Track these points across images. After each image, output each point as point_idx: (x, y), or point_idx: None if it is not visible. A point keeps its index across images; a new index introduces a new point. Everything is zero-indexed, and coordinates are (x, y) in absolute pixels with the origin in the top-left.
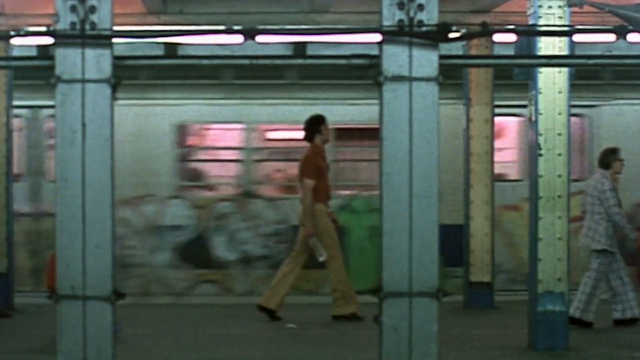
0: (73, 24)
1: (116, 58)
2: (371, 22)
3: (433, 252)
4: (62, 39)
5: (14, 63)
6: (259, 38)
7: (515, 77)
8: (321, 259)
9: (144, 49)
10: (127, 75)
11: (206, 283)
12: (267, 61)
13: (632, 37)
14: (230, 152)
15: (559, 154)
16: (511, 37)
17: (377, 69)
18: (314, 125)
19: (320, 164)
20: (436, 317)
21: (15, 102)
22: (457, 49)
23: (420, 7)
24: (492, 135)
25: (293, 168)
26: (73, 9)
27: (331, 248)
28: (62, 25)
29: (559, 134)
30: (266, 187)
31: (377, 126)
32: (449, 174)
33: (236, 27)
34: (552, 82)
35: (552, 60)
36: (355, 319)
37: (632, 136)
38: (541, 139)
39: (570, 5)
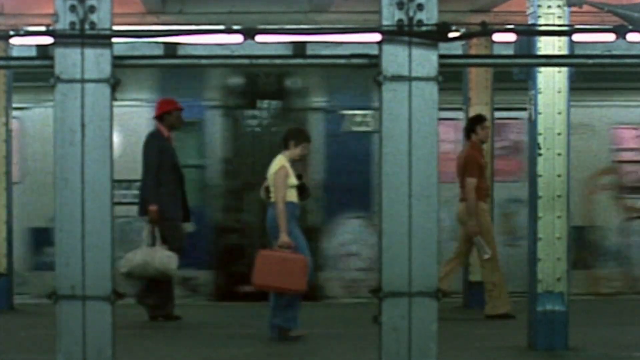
0: (72, 23)
1: (116, 58)
2: (370, 21)
3: (432, 252)
4: (62, 38)
5: (13, 63)
6: (259, 38)
7: (514, 76)
8: (486, 256)
9: (143, 49)
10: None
11: None
12: (267, 61)
13: (631, 36)
14: None
15: (559, 154)
16: (511, 37)
17: (377, 68)
18: (472, 124)
19: (481, 162)
20: (436, 317)
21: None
22: (456, 48)
23: (420, 7)
24: (492, 134)
25: None
26: (72, 8)
27: (490, 246)
28: (62, 25)
29: (559, 134)
30: None
31: None
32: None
33: (236, 27)
34: (551, 81)
35: (551, 60)
36: (509, 317)
37: None
38: (540, 139)
39: (569, 5)
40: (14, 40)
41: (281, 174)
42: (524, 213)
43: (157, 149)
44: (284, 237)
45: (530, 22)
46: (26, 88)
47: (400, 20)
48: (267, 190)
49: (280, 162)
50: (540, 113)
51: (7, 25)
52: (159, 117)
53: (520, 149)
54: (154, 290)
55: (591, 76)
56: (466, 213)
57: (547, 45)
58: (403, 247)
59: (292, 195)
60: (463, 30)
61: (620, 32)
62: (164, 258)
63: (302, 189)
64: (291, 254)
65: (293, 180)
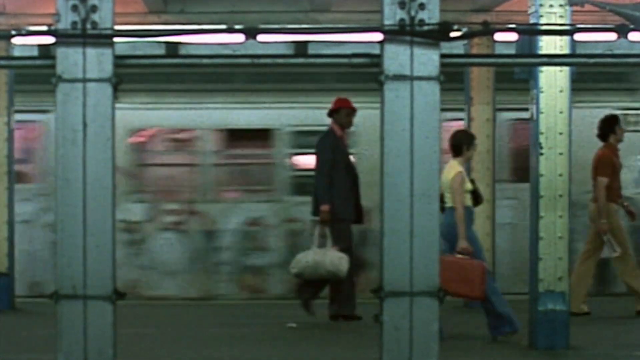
0: (74, 23)
1: (117, 57)
2: (372, 21)
3: (434, 252)
4: (63, 38)
5: (14, 63)
6: (260, 37)
7: (516, 76)
8: (614, 254)
9: (145, 49)
10: None
11: None
12: (268, 60)
13: (633, 35)
14: None
15: (560, 153)
16: (512, 36)
17: (378, 68)
18: (609, 125)
19: (615, 162)
20: (437, 316)
21: None
22: (458, 48)
23: (422, 6)
24: (494, 134)
25: None
26: (74, 8)
27: (622, 245)
28: (63, 25)
29: (560, 133)
30: None
31: None
32: None
33: (237, 27)
34: (553, 81)
35: (553, 59)
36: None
37: None
38: (542, 138)
39: (571, 4)
40: (16, 40)
41: (458, 180)
42: None
43: (330, 148)
44: (463, 243)
45: (532, 21)
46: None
47: (401, 19)
48: (441, 196)
49: (455, 167)
50: (542, 112)
51: (9, 25)
52: (331, 115)
53: None
54: (316, 288)
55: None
56: (597, 212)
57: (549, 45)
58: (404, 246)
59: (468, 200)
60: (465, 29)
61: (622, 31)
62: (335, 259)
63: (475, 194)
64: (469, 261)
65: (469, 185)
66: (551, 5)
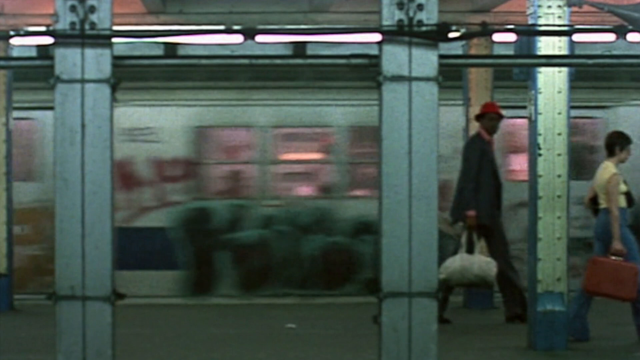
0: (73, 23)
1: (116, 58)
2: (371, 21)
3: (432, 252)
4: (62, 38)
5: (13, 63)
6: (259, 38)
7: (514, 77)
8: None
9: (143, 49)
10: None
11: None
12: (267, 61)
13: (631, 36)
14: None
15: (559, 154)
16: (511, 37)
17: (376, 68)
18: None
19: None
20: (436, 317)
21: None
22: (456, 48)
23: (420, 7)
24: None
25: None
26: (72, 8)
27: None
28: (62, 25)
29: (559, 134)
30: None
31: None
32: None
33: (236, 27)
34: (551, 81)
35: (551, 60)
36: None
37: None
38: (540, 139)
39: (569, 5)
40: (14, 41)
41: (614, 181)
42: None
43: (477, 153)
44: (617, 245)
45: (530, 22)
46: None
47: (400, 20)
48: (593, 198)
49: (610, 169)
50: (540, 113)
51: (8, 26)
52: (479, 120)
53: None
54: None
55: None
56: None
57: (547, 46)
58: (403, 247)
59: (622, 202)
60: (463, 30)
61: (620, 32)
62: (483, 264)
63: (628, 196)
64: (623, 263)
65: (623, 187)
66: (549, 6)
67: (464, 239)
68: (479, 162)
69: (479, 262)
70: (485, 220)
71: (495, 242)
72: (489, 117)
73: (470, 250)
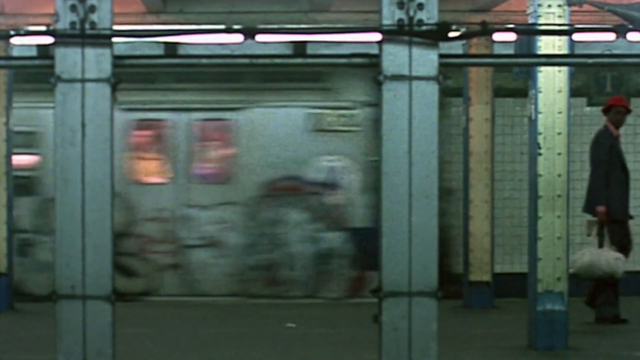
0: (73, 23)
1: (116, 57)
2: (371, 21)
3: (433, 252)
4: (62, 38)
5: (13, 63)
6: (259, 37)
7: (515, 76)
8: None
9: (143, 49)
10: None
11: None
12: (267, 60)
13: (631, 36)
14: None
15: (559, 153)
16: (511, 37)
17: (376, 68)
18: None
19: None
20: (436, 316)
21: None
22: (457, 48)
23: (420, 6)
24: (493, 134)
25: None
26: (73, 8)
27: None
28: (62, 25)
29: (559, 133)
30: None
31: None
32: None
33: (236, 27)
34: (551, 81)
35: (551, 60)
36: None
37: None
38: (540, 138)
39: (569, 5)
40: (15, 40)
41: None
42: None
43: (606, 148)
44: None
45: (530, 21)
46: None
47: (400, 19)
48: None
49: None
50: (540, 112)
51: (8, 25)
52: (606, 114)
53: None
54: (601, 292)
55: None
56: None
57: (548, 45)
58: (403, 246)
59: None
60: (463, 29)
61: (621, 31)
62: (611, 260)
63: None
64: None
65: None
66: (549, 6)
67: (594, 234)
68: (609, 157)
69: (607, 258)
70: (617, 215)
71: (616, 237)
72: (615, 110)
73: (600, 245)
